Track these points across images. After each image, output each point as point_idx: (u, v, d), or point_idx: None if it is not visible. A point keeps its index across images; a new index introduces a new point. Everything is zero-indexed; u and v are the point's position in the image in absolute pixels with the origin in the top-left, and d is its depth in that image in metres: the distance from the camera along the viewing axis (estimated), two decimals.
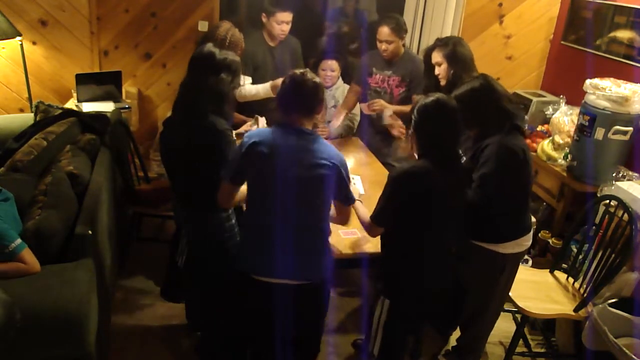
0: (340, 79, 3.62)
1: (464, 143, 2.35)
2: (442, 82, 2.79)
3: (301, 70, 2.00)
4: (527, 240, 2.30)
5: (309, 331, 2.19)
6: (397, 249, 2.06)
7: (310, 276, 2.00)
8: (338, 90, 3.60)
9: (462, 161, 2.27)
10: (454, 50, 2.74)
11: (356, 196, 2.27)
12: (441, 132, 1.99)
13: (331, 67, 3.51)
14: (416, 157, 2.07)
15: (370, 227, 2.08)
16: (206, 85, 2.18)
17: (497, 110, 2.17)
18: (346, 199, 2.04)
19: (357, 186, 2.42)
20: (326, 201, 1.99)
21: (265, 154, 1.93)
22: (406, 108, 3.24)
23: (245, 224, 2.08)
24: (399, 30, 3.20)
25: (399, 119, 3.23)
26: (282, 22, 3.23)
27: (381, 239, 2.13)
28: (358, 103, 3.48)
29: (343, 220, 2.13)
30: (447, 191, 2.00)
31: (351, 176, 2.46)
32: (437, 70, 2.80)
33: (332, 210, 2.09)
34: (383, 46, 3.24)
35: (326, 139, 3.43)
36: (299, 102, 1.97)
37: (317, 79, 2.00)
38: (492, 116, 2.17)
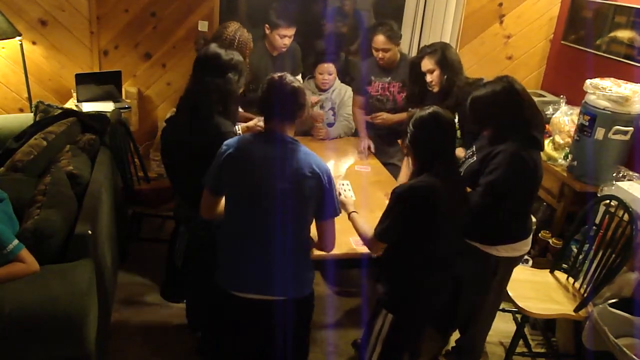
0: (337, 80, 3.62)
1: (479, 140, 2.34)
2: (435, 89, 2.79)
3: (279, 74, 1.94)
4: (524, 245, 2.29)
5: (291, 348, 2.05)
6: (403, 265, 2.03)
7: (287, 292, 1.92)
8: (335, 92, 3.59)
9: (472, 161, 2.25)
10: (444, 55, 2.74)
11: (350, 206, 2.23)
12: (440, 144, 1.96)
13: (328, 71, 3.50)
14: (413, 169, 2.05)
15: (373, 243, 2.03)
16: (214, 86, 2.18)
17: (515, 116, 2.14)
18: (323, 214, 1.92)
19: (347, 193, 2.38)
20: (305, 214, 1.92)
21: (240, 166, 1.89)
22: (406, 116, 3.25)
23: (222, 237, 2.00)
24: (394, 37, 3.20)
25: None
26: (284, 37, 3.22)
27: (383, 253, 2.09)
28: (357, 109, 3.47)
29: (324, 244, 1.98)
30: (451, 203, 1.97)
31: (341, 182, 2.45)
32: (429, 78, 2.79)
33: (314, 233, 2.01)
34: (380, 54, 3.24)
35: (324, 139, 3.48)
36: (277, 107, 1.90)
37: (296, 83, 1.93)
38: (508, 121, 2.14)
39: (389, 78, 3.33)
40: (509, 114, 2.14)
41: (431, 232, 1.96)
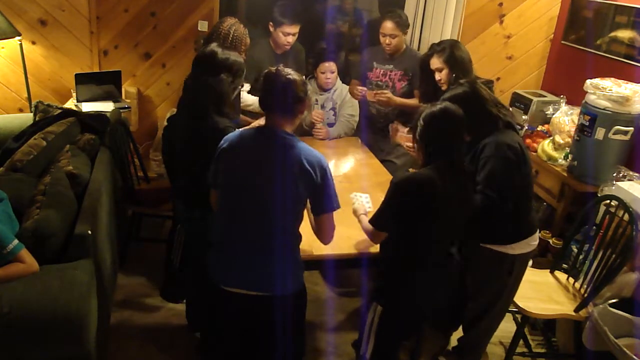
0: (339, 79, 3.62)
1: None
2: (444, 87, 2.79)
3: (275, 67, 1.94)
4: (534, 240, 2.30)
5: (290, 342, 2.04)
6: (398, 258, 2.04)
7: (276, 288, 1.92)
8: (336, 92, 3.59)
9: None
10: (453, 53, 2.74)
11: (360, 210, 2.25)
12: (449, 141, 1.97)
13: (330, 69, 3.50)
14: (420, 163, 2.05)
15: (372, 233, 2.05)
16: (206, 84, 2.18)
17: (483, 115, 2.17)
18: (317, 208, 1.93)
19: (364, 202, 2.41)
20: (297, 209, 1.92)
21: (233, 161, 1.90)
22: (410, 102, 3.26)
23: (216, 232, 2.01)
24: (403, 24, 3.26)
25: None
26: (288, 34, 3.23)
27: (381, 247, 2.11)
28: (360, 94, 3.43)
29: (321, 236, 2.00)
30: (452, 200, 1.97)
31: (360, 194, 2.47)
32: (437, 76, 2.80)
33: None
34: (387, 40, 3.28)
35: (324, 139, 3.48)
36: (273, 100, 1.91)
37: (292, 75, 1.91)
38: (478, 121, 2.15)
39: (392, 66, 3.37)
40: (476, 115, 2.14)
41: (426, 225, 1.96)
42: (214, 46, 2.31)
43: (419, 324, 2.36)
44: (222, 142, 1.95)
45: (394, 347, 2.25)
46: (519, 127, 2.48)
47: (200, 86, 2.20)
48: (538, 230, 2.34)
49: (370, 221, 2.03)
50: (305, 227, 2.01)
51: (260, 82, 1.95)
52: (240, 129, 2.04)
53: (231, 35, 2.82)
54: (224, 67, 2.24)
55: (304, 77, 2.01)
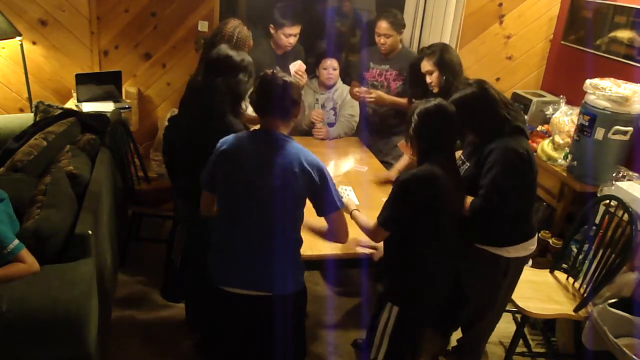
0: (340, 80, 3.62)
1: (465, 147, 2.35)
2: (435, 90, 2.81)
3: (271, 70, 1.96)
4: (531, 244, 2.29)
5: (285, 344, 2.03)
6: (407, 255, 2.04)
7: (277, 288, 1.93)
8: (337, 92, 3.60)
9: (466, 167, 2.26)
10: (442, 56, 2.76)
11: (351, 206, 2.25)
12: (442, 136, 1.98)
13: (332, 66, 3.51)
14: (415, 160, 2.06)
15: (376, 231, 2.04)
16: (226, 86, 2.19)
17: (492, 117, 2.15)
18: (322, 209, 1.93)
19: (351, 197, 2.41)
20: (296, 211, 1.93)
21: (233, 162, 1.90)
22: (402, 100, 3.26)
23: (215, 233, 2.01)
24: (397, 24, 3.27)
25: None
26: (290, 35, 3.23)
27: (385, 244, 2.10)
28: (358, 95, 3.44)
29: (336, 237, 2.00)
30: (451, 196, 1.99)
31: (344, 187, 2.46)
32: (428, 79, 2.83)
33: (324, 226, 2.01)
34: (381, 40, 3.29)
35: (324, 139, 3.48)
36: (269, 103, 1.91)
37: (288, 78, 1.94)
38: (487, 123, 2.16)
39: (387, 66, 3.38)
40: (485, 116, 2.14)
41: (432, 220, 1.97)
42: (225, 48, 2.31)
43: (430, 321, 2.37)
44: (219, 144, 1.96)
45: (406, 348, 2.23)
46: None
47: (218, 88, 2.20)
48: (537, 235, 2.32)
49: (379, 221, 2.01)
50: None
51: (256, 85, 1.97)
52: (237, 133, 2.05)
53: (235, 37, 2.82)
54: (241, 68, 2.25)
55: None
